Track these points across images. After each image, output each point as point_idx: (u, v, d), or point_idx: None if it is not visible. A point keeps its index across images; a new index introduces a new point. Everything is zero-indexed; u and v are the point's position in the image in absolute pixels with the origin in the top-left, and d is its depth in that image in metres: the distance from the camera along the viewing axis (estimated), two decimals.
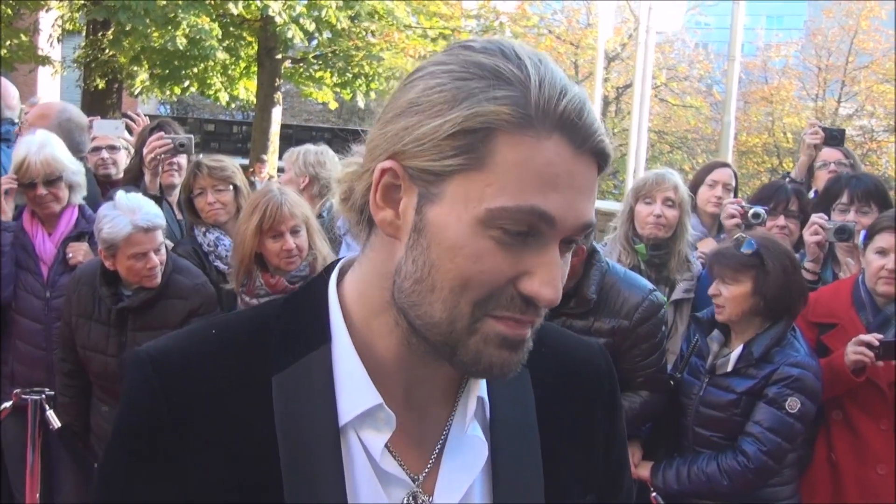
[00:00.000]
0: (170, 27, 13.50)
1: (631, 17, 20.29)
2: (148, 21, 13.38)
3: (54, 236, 3.72)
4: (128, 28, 13.76)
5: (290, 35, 14.21)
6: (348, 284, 1.03)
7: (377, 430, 0.99)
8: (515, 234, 0.90)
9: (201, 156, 4.10)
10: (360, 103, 16.60)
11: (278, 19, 14.05)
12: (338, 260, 1.08)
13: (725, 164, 4.75)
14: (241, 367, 1.01)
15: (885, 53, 22.89)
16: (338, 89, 17.11)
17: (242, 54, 16.56)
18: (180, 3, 13.41)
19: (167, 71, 15.83)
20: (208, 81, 16.53)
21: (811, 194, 4.26)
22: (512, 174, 0.89)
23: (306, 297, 1.05)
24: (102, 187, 4.45)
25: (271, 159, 15.46)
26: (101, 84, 15.59)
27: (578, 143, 0.90)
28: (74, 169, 3.73)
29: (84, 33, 16.38)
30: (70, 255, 3.67)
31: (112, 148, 4.67)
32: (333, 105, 18.77)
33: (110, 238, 3.16)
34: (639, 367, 3.05)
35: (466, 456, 1.03)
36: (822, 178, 4.25)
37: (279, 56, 15.95)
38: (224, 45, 14.95)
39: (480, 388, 1.04)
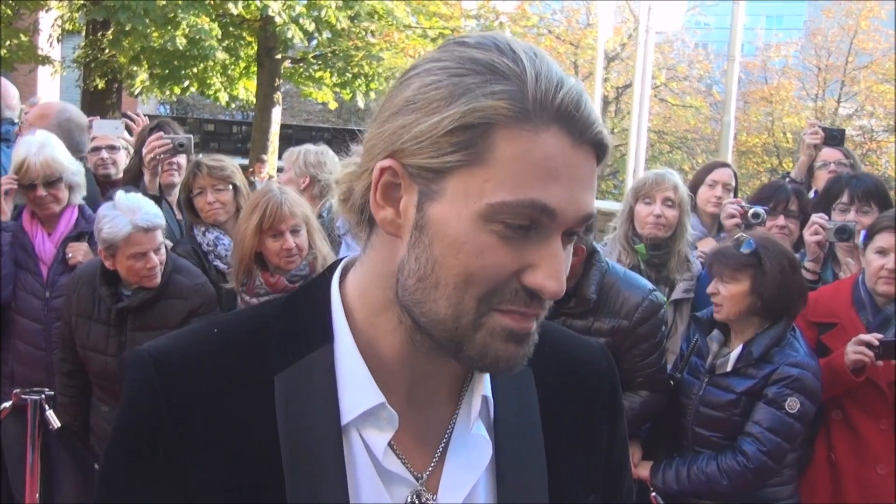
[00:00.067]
0: (169, 27, 13.51)
1: (630, 17, 20.30)
2: (147, 21, 13.39)
3: (54, 236, 3.72)
4: (127, 28, 13.77)
5: (289, 35, 14.22)
6: (350, 284, 1.03)
7: (380, 429, 0.99)
8: (517, 228, 0.90)
9: (201, 156, 4.09)
10: (360, 103, 16.59)
11: (278, 19, 14.06)
12: (340, 259, 1.08)
13: (725, 164, 4.75)
14: (243, 367, 1.00)
15: (884, 53, 22.89)
16: (337, 89, 17.13)
17: (242, 54, 16.56)
18: (180, 3, 13.42)
19: (167, 71, 15.84)
20: (208, 81, 16.54)
21: (811, 194, 4.26)
22: (511, 168, 0.89)
23: (308, 296, 1.05)
24: (102, 187, 4.45)
25: (271, 159, 15.46)
26: (100, 84, 15.60)
27: (577, 135, 0.90)
28: (74, 169, 3.73)
29: (84, 33, 16.38)
30: (70, 255, 3.67)
31: (112, 148, 4.67)
32: (333, 105, 18.79)
33: (110, 238, 3.16)
34: (638, 367, 3.05)
35: (471, 455, 1.02)
36: (822, 178, 4.25)
37: (279, 56, 15.96)
38: (224, 45, 14.96)
39: (485, 386, 1.04)
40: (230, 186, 3.90)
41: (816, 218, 3.55)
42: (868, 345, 2.96)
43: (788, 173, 5.32)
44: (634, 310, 2.99)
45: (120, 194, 3.30)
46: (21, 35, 15.34)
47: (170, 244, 3.60)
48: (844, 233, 3.48)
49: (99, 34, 15.37)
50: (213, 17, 14.22)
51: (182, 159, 4.37)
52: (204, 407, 0.98)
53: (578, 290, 2.97)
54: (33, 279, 3.66)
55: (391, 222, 0.95)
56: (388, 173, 0.94)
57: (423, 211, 0.92)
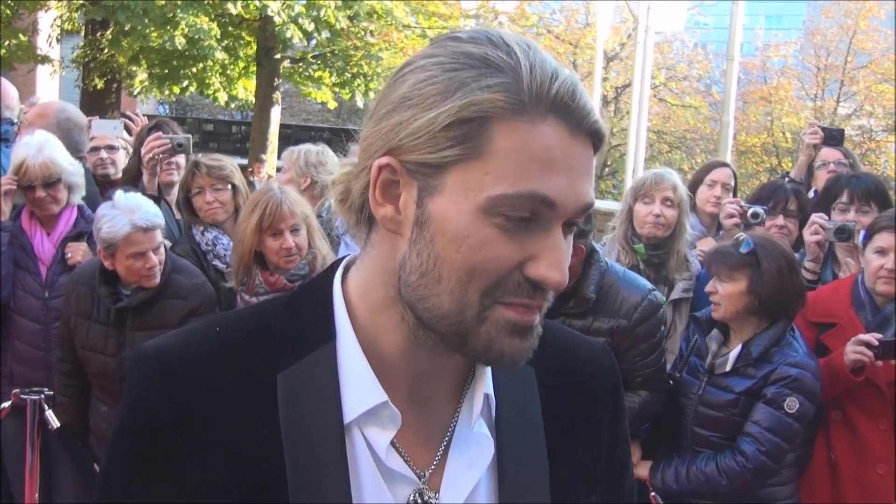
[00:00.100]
0: (168, 27, 13.51)
1: (630, 16, 20.30)
2: (147, 21, 13.40)
3: (53, 236, 3.72)
4: (126, 28, 13.78)
5: (288, 35, 14.23)
6: (351, 282, 1.03)
7: (382, 427, 0.98)
8: (517, 220, 0.90)
9: (200, 155, 4.09)
10: (359, 103, 16.60)
11: (277, 19, 14.06)
12: (342, 258, 1.08)
13: (724, 164, 4.75)
14: (245, 366, 1.00)
15: (883, 53, 22.91)
16: (337, 89, 17.14)
17: (241, 54, 16.57)
18: (179, 2, 13.43)
19: (166, 71, 15.85)
20: (207, 81, 16.54)
21: (811, 194, 4.26)
22: (510, 160, 0.89)
23: (310, 295, 1.05)
24: (101, 187, 4.45)
25: (270, 159, 15.47)
26: (99, 84, 15.59)
27: (574, 125, 0.90)
28: (73, 170, 3.73)
29: (83, 33, 16.38)
30: (69, 255, 3.66)
31: (111, 148, 4.67)
32: (332, 105, 18.79)
33: (109, 238, 3.15)
34: (638, 367, 3.05)
35: (473, 453, 1.02)
36: (821, 178, 4.25)
37: (278, 56, 15.97)
38: (223, 44, 14.96)
39: (487, 384, 1.04)
40: (229, 186, 3.90)
41: (816, 218, 3.54)
42: (867, 344, 2.96)
43: (787, 173, 5.32)
44: (634, 309, 2.99)
45: (119, 194, 3.29)
46: (20, 35, 15.33)
47: (168, 244, 3.60)
48: (844, 233, 3.48)
49: (98, 34, 15.37)
50: (213, 16, 14.22)
51: (181, 159, 4.36)
52: (206, 406, 0.98)
53: (577, 290, 2.96)
54: (32, 279, 3.65)
55: (391, 219, 0.95)
56: (386, 171, 0.94)
57: (424, 207, 0.92)
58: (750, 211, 3.83)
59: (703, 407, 3.04)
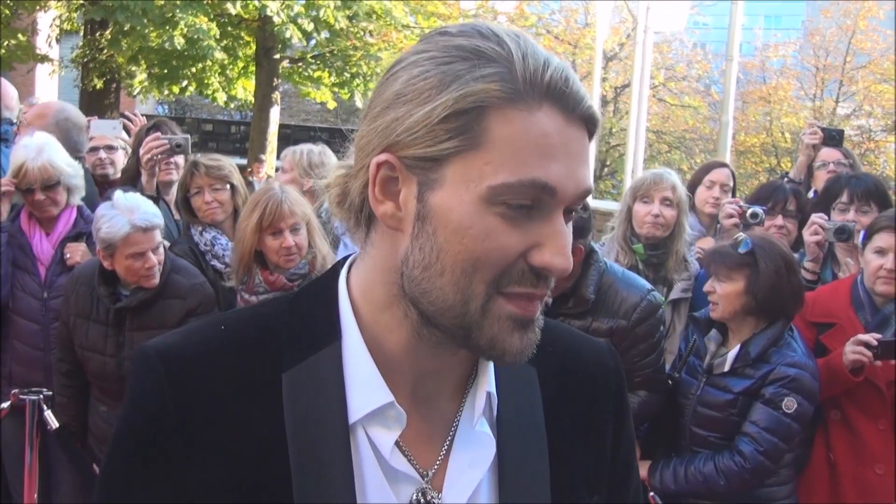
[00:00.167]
0: (168, 27, 13.51)
1: (629, 17, 20.30)
2: (146, 21, 13.39)
3: (52, 237, 3.71)
4: (126, 28, 13.78)
5: (288, 35, 14.23)
6: (354, 282, 1.03)
7: (387, 427, 0.98)
8: (519, 208, 0.90)
9: (198, 155, 4.09)
10: (359, 103, 16.61)
11: (276, 19, 14.06)
12: (346, 257, 1.08)
13: (723, 164, 4.75)
14: (249, 365, 1.00)
15: (882, 53, 22.91)
16: (336, 89, 17.13)
17: (240, 54, 16.57)
18: (178, 2, 13.42)
19: (165, 71, 15.84)
20: (206, 81, 16.54)
21: (810, 194, 4.26)
22: (509, 149, 0.89)
23: (315, 294, 1.05)
24: (100, 187, 4.44)
25: (269, 159, 15.46)
26: (98, 84, 15.59)
27: (569, 111, 0.91)
28: (72, 172, 3.72)
29: (82, 33, 16.36)
30: (68, 255, 3.66)
31: (110, 148, 4.66)
32: (332, 105, 18.77)
33: (108, 238, 3.15)
34: (637, 367, 3.05)
35: (475, 452, 1.02)
36: (821, 178, 4.25)
37: (277, 56, 15.97)
38: (222, 44, 14.96)
39: (489, 382, 1.04)
40: (228, 186, 3.90)
41: (816, 218, 3.54)
42: (867, 345, 2.97)
43: (787, 173, 5.32)
44: (633, 310, 2.99)
45: (118, 194, 3.29)
46: (19, 35, 15.33)
47: (167, 244, 3.60)
48: (844, 233, 3.48)
49: (97, 34, 15.37)
50: (212, 16, 14.21)
51: (180, 159, 4.36)
52: (209, 406, 0.98)
53: (577, 291, 2.96)
54: (31, 280, 3.65)
55: (392, 216, 0.95)
56: (385, 167, 0.94)
57: (425, 201, 0.92)
58: (749, 211, 3.83)
59: (701, 407, 3.04)
